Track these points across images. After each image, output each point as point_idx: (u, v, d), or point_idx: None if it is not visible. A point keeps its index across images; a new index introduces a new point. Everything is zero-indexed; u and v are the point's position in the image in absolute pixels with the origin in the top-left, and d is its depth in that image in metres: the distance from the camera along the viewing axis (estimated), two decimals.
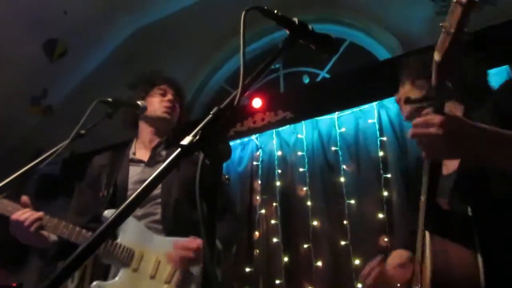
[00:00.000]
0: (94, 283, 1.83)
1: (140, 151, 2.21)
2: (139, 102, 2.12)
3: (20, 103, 5.38)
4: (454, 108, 1.42)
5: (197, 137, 0.75)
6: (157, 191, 2.02)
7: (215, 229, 0.78)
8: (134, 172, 2.11)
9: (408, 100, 1.15)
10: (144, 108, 2.14)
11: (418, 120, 1.03)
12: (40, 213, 1.84)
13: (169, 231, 1.94)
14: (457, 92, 1.39)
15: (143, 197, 0.70)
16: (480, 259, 1.06)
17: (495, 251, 1.08)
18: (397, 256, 1.57)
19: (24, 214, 1.80)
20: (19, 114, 5.49)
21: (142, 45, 5.49)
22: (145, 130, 2.25)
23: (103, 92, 2.05)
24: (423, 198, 1.20)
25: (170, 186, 2.02)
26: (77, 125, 1.72)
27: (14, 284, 4.62)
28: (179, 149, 0.74)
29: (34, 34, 4.86)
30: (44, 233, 1.85)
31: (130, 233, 1.91)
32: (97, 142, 4.50)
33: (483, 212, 1.15)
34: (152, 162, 2.14)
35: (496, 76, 3.03)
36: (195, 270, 1.86)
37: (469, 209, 1.15)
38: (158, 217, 1.99)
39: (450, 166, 1.41)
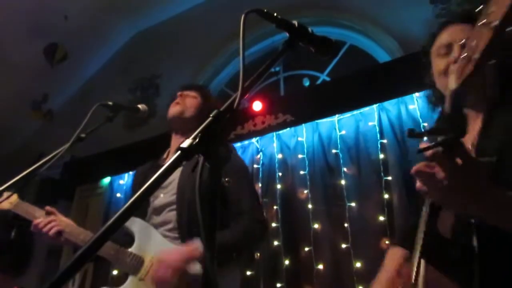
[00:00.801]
0: None
1: (171, 156, 2.20)
2: (139, 106, 2.12)
3: (21, 107, 5.40)
4: (471, 119, 1.23)
5: (197, 140, 0.74)
6: (173, 197, 1.99)
7: (215, 232, 0.78)
8: None
9: (412, 134, 0.93)
10: (144, 112, 2.14)
11: (421, 167, 0.90)
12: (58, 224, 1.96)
13: (185, 239, 1.87)
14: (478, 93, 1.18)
15: (141, 201, 0.70)
16: None
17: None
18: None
19: (48, 225, 1.95)
20: (20, 119, 5.51)
21: (142, 49, 5.50)
22: (173, 137, 2.24)
23: (104, 96, 2.05)
24: (421, 226, 1.10)
25: (184, 193, 1.97)
26: (78, 129, 1.72)
27: None
28: (178, 152, 0.74)
29: (34, 39, 4.88)
30: (71, 238, 1.95)
31: (144, 241, 1.90)
32: (98, 146, 4.51)
33: (489, 247, 1.03)
34: None
35: None
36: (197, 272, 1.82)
37: (474, 241, 1.04)
38: (173, 224, 1.95)
39: None
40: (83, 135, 1.77)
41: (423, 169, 0.90)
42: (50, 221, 1.96)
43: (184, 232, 1.90)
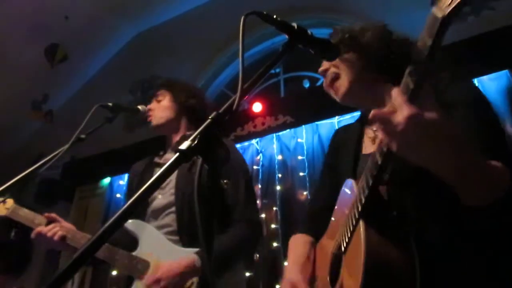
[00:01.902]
0: None
1: (168, 154, 2.18)
2: (139, 107, 2.12)
3: (21, 108, 5.40)
4: (377, 86, 1.27)
5: (196, 142, 0.75)
6: (171, 197, 1.96)
7: (212, 235, 0.78)
8: None
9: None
10: (144, 113, 2.13)
11: (379, 111, 0.86)
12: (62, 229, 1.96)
13: (186, 241, 1.86)
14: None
15: (139, 203, 0.69)
16: (416, 258, 0.97)
17: (432, 251, 1.01)
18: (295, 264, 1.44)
19: (52, 230, 1.96)
20: (20, 119, 5.51)
21: (142, 50, 5.51)
22: (167, 137, 2.24)
23: (104, 97, 2.05)
24: (363, 182, 1.06)
25: (183, 194, 1.94)
26: (78, 129, 1.72)
27: None
28: (177, 154, 0.74)
29: (35, 39, 4.88)
30: (72, 243, 1.95)
31: (149, 245, 1.87)
32: (97, 146, 4.51)
33: (426, 211, 1.05)
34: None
35: (495, 81, 3.04)
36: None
37: (412, 204, 1.04)
38: (174, 227, 1.91)
39: (368, 145, 1.31)
40: (83, 136, 1.77)
41: (381, 112, 0.86)
42: (54, 226, 1.96)
43: (185, 235, 1.87)
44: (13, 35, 4.70)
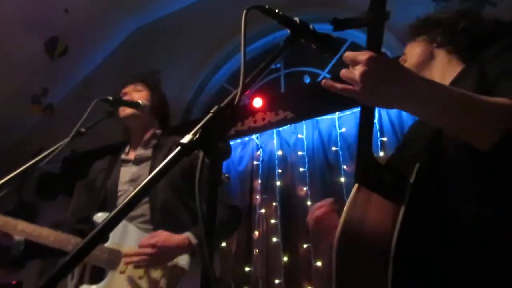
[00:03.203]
0: (81, 287, 1.84)
1: (133, 150, 2.19)
2: (139, 101, 2.12)
3: (20, 101, 5.38)
4: (450, 66, 1.29)
5: (197, 136, 0.74)
6: None
7: (214, 229, 0.78)
8: (125, 172, 2.11)
9: (336, 22, 0.93)
10: (145, 107, 2.13)
11: (348, 54, 0.92)
12: None
13: (159, 230, 1.87)
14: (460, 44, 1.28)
15: (139, 199, 0.69)
16: (398, 223, 0.94)
17: (418, 220, 0.98)
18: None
19: None
20: (20, 113, 5.50)
21: (142, 44, 5.49)
22: (132, 130, 2.23)
23: (104, 91, 2.05)
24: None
25: (156, 186, 1.97)
26: (78, 123, 1.72)
27: (14, 282, 4.62)
28: (179, 148, 0.73)
29: (35, 33, 4.86)
30: (5, 229, 1.83)
31: (119, 235, 1.89)
32: (97, 140, 4.50)
33: (422, 175, 1.02)
34: (139, 159, 2.12)
35: None
36: (183, 265, 1.81)
37: (416, 168, 1.02)
38: (147, 217, 1.95)
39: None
40: (83, 130, 1.77)
41: (346, 71, 0.91)
42: None
43: (158, 224, 1.90)
44: (12, 28, 4.68)
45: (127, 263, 1.77)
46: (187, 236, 1.79)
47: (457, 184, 1.02)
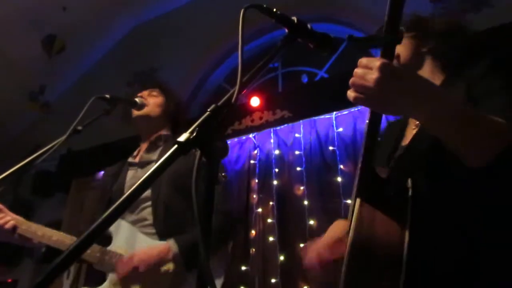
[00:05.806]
0: None
1: (140, 153, 2.19)
2: (137, 99, 2.11)
3: (18, 99, 5.37)
4: (433, 74, 1.34)
5: (194, 134, 0.74)
6: (147, 193, 1.95)
7: (212, 229, 0.78)
8: (130, 175, 2.11)
9: (351, 39, 0.98)
10: (143, 105, 2.13)
11: (363, 59, 0.95)
12: (12, 219, 1.87)
13: (162, 234, 1.88)
14: (442, 58, 1.35)
15: (134, 198, 0.69)
16: (407, 236, 0.97)
17: (424, 231, 1.00)
18: (333, 228, 1.45)
19: (2, 219, 1.85)
20: (16, 110, 5.48)
21: (140, 42, 5.47)
22: (141, 132, 2.24)
23: (101, 89, 2.04)
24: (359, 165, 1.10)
25: (159, 186, 1.95)
26: (75, 121, 1.71)
27: (10, 280, 4.62)
28: (175, 146, 0.73)
29: (32, 30, 4.85)
30: (27, 234, 1.86)
31: (122, 238, 1.88)
32: (94, 138, 4.49)
33: (422, 188, 1.06)
34: (144, 162, 2.12)
35: None
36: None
37: (409, 182, 1.05)
38: (150, 221, 1.93)
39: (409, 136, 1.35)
40: (79, 128, 1.75)
41: (357, 79, 0.94)
42: (4, 215, 1.87)
43: (161, 228, 1.89)
44: (10, 26, 4.66)
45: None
46: (169, 245, 1.78)
47: (456, 199, 1.06)
